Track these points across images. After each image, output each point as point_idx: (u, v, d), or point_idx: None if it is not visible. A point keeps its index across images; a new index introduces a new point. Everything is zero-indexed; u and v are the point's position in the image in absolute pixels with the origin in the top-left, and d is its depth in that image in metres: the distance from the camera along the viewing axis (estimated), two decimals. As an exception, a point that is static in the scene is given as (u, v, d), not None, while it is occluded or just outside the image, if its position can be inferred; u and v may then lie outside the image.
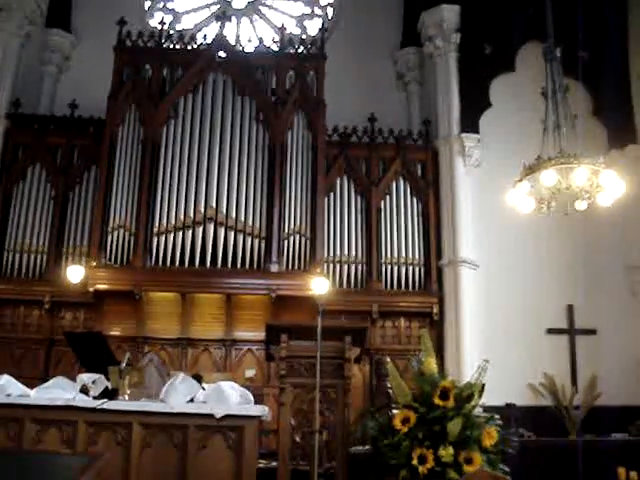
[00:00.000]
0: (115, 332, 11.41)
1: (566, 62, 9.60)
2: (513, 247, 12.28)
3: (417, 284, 12.20)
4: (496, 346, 11.37)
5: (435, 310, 12.04)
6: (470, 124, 12.85)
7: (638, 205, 11.66)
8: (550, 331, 12.11)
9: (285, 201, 11.84)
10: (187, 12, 15.96)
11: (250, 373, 11.16)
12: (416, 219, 12.56)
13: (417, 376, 5.95)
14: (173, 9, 15.92)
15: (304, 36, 14.67)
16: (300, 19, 15.91)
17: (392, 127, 13.12)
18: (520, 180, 8.56)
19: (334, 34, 14.98)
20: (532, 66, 12.13)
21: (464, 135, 12.73)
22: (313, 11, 16.05)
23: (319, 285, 10.88)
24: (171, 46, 12.74)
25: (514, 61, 13.33)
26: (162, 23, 13.20)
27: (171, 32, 13.46)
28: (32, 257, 11.94)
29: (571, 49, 11.28)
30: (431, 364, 5.88)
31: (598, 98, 13.12)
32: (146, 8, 15.77)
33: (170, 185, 11.72)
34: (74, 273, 11.40)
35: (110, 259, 11.42)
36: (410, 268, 12.23)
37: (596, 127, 12.91)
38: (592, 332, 12.08)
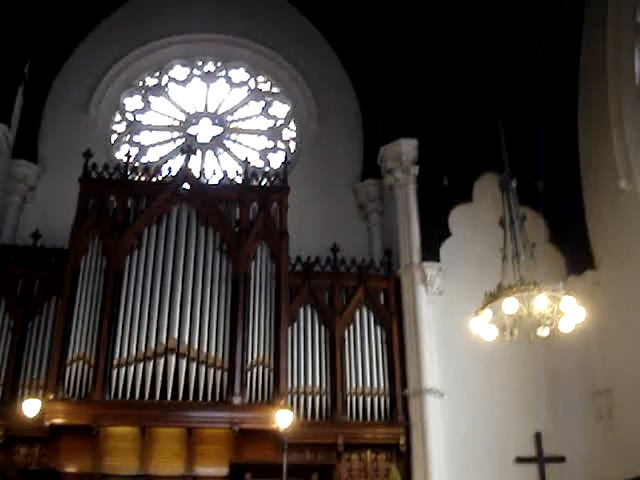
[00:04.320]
0: (71, 469, 10.95)
1: (522, 192, 9.89)
2: (478, 374, 12.24)
3: (383, 414, 11.97)
4: (465, 477, 11.11)
5: (402, 441, 11.76)
6: (431, 253, 13.05)
7: (599, 330, 11.77)
8: (519, 460, 11.88)
9: (248, 331, 11.75)
10: (153, 145, 16.34)
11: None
12: (380, 348, 12.48)
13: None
14: (139, 142, 16.30)
15: (267, 169, 15.05)
16: (264, 152, 16.37)
17: (354, 256, 13.26)
18: (482, 308, 8.64)
19: (296, 166, 15.42)
20: (489, 196, 12.51)
21: (425, 264, 12.90)
22: (276, 145, 16.54)
23: (283, 418, 10.63)
24: (136, 178, 12.93)
25: (471, 192, 13.75)
26: (128, 156, 13.45)
27: (136, 164, 13.71)
28: (-14, 390, 11.55)
29: (526, 179, 11.65)
30: (400, 499, 5.71)
31: (554, 225, 13.50)
32: (112, 141, 16.13)
33: (132, 316, 11.59)
34: (30, 407, 10.99)
35: (68, 392, 11.11)
36: (375, 398, 12.03)
37: (553, 254, 13.21)
38: (561, 459, 11.88)
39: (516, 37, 13.60)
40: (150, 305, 11.68)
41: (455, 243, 13.27)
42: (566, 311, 8.27)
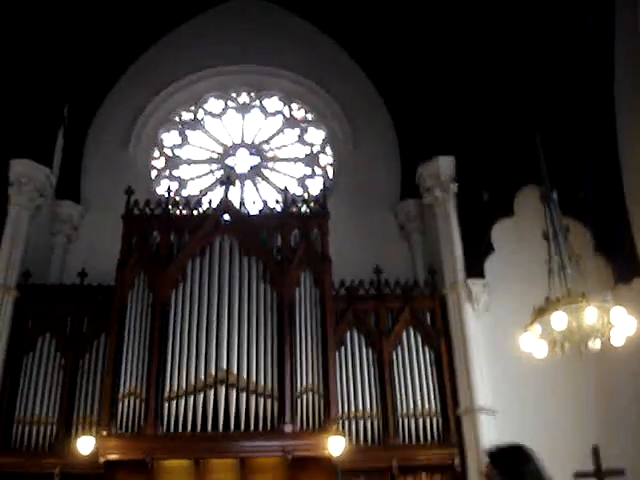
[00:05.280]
0: (127, 505, 11.01)
1: (564, 202, 9.78)
2: (531, 390, 12.04)
3: (435, 435, 11.82)
4: (523, 496, 10.88)
5: (457, 462, 11.60)
6: (475, 269, 12.93)
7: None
8: (578, 475, 11.57)
9: (296, 359, 11.72)
10: (192, 179, 16.53)
11: None
12: (429, 368, 12.36)
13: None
14: (179, 177, 16.51)
15: (306, 195, 15.08)
16: (302, 179, 16.44)
17: (398, 277, 13.19)
18: (531, 324, 8.51)
19: (335, 191, 15.45)
20: (531, 209, 12.33)
21: (470, 281, 12.79)
22: (314, 171, 16.61)
23: (335, 444, 10.57)
24: (178, 212, 13.05)
25: (512, 205, 13.58)
26: (168, 190, 13.63)
27: (177, 199, 13.85)
28: (41, 428, 11.67)
29: (568, 189, 11.50)
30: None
31: (599, 235, 13.21)
32: (153, 177, 16.37)
33: (180, 349, 11.66)
34: (84, 444, 11.13)
35: (121, 427, 11.18)
36: (427, 419, 11.89)
37: (600, 264, 12.92)
38: (620, 472, 11.50)
39: (551, 47, 13.53)
40: (198, 337, 11.74)
41: (499, 258, 13.12)
42: (616, 322, 8.11)
